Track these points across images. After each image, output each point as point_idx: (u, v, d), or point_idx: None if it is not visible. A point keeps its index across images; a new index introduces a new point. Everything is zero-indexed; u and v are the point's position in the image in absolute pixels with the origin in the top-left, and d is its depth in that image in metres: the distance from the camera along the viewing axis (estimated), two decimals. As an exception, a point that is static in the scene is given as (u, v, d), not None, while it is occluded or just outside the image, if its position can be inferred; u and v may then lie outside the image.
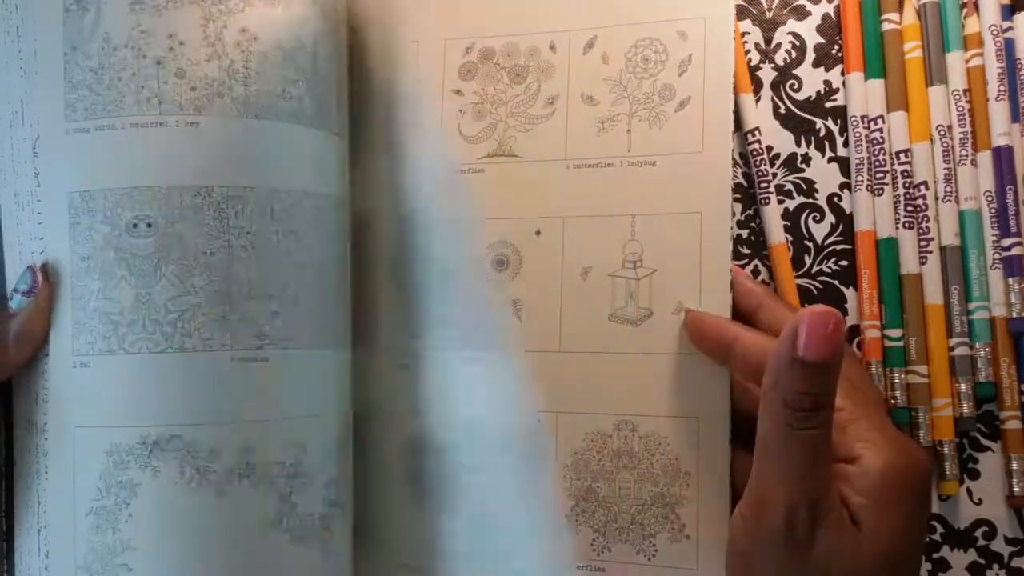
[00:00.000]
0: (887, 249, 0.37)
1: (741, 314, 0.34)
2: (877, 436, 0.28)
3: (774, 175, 0.38)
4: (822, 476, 0.27)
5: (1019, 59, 0.37)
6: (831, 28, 0.39)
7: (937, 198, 0.37)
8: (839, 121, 0.39)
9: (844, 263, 0.38)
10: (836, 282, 0.38)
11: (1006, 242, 0.36)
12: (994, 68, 0.37)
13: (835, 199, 0.38)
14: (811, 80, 0.39)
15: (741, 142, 0.38)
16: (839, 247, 0.38)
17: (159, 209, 0.28)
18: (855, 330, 0.37)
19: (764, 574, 0.28)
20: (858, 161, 0.38)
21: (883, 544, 0.27)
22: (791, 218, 0.38)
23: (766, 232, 0.38)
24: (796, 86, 0.39)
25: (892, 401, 0.36)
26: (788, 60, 0.39)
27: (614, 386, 0.36)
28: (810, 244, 0.38)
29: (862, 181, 0.37)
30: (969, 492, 0.36)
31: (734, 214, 0.38)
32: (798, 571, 0.27)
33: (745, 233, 0.38)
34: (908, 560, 0.28)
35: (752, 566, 0.28)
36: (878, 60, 0.38)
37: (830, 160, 0.38)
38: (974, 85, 0.37)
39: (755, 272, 0.38)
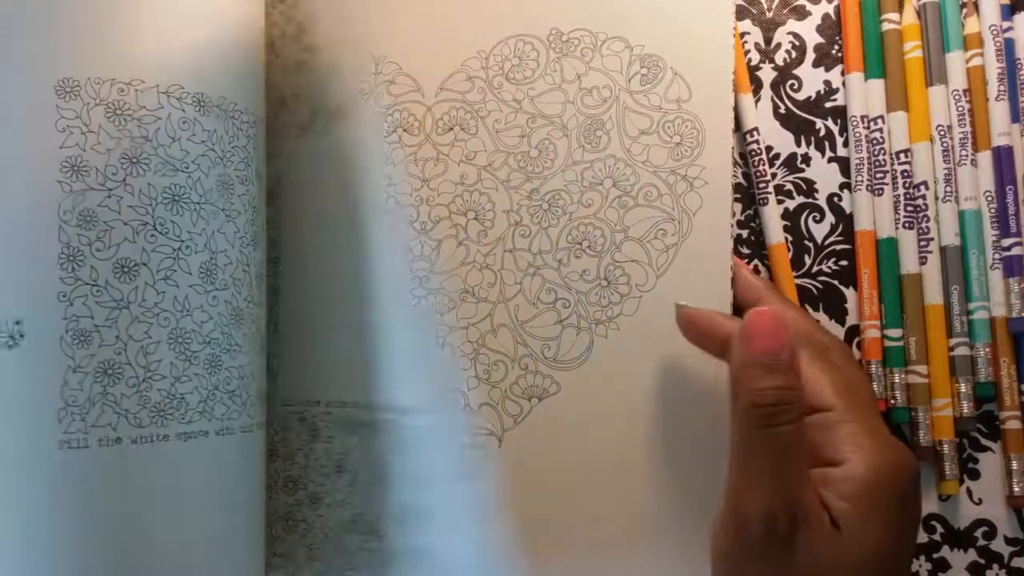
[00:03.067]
0: (887, 249, 0.37)
1: (742, 307, 0.34)
2: (866, 440, 0.28)
3: (773, 175, 0.38)
4: (797, 479, 0.26)
5: (1019, 59, 0.37)
6: (831, 28, 0.39)
7: (937, 198, 0.37)
8: (839, 121, 0.39)
9: (844, 263, 0.38)
10: (836, 282, 0.38)
11: (1006, 242, 0.36)
12: (994, 68, 0.37)
13: (835, 199, 0.38)
14: (811, 80, 0.39)
15: (740, 142, 0.38)
16: (839, 247, 0.38)
17: None
18: (855, 330, 0.38)
19: None
20: (858, 161, 0.38)
21: (865, 550, 0.27)
22: (791, 218, 0.38)
23: (765, 232, 0.38)
24: (796, 86, 0.39)
25: (892, 401, 0.36)
26: (788, 60, 0.39)
27: None
28: (810, 244, 0.38)
29: (862, 181, 0.37)
30: (969, 492, 0.36)
31: (734, 214, 0.38)
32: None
33: (745, 233, 0.38)
34: (891, 567, 0.27)
35: (733, 573, 0.28)
36: (878, 60, 0.38)
37: (830, 160, 0.38)
38: (974, 85, 0.37)
39: (755, 272, 0.38)
